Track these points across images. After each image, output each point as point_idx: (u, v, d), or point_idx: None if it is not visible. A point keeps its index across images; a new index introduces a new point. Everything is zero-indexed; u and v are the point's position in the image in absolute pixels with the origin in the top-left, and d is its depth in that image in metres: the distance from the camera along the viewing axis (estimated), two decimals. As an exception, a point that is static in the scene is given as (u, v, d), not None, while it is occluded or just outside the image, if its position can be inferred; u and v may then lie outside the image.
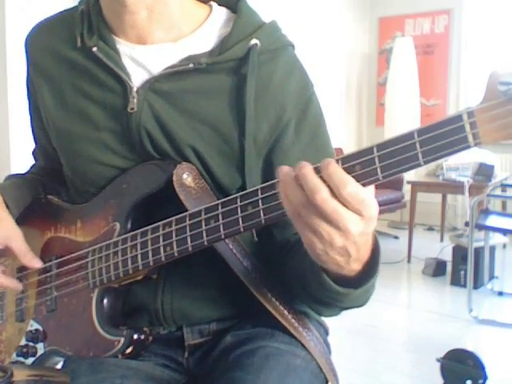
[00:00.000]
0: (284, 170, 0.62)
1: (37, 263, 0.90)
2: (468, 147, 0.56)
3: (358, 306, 0.77)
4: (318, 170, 0.60)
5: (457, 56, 5.37)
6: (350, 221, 0.59)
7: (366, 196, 0.59)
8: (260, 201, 0.68)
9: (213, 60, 0.82)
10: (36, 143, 1.04)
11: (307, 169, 0.59)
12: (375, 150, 0.59)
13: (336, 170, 0.59)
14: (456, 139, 0.55)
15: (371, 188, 0.60)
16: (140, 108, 0.83)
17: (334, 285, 0.69)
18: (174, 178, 0.80)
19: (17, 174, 1.02)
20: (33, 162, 1.08)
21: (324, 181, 0.59)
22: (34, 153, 1.07)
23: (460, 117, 0.55)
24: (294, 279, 0.81)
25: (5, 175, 1.02)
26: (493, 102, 0.54)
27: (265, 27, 0.85)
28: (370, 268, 0.68)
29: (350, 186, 0.58)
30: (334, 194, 0.58)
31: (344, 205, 0.58)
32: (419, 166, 0.58)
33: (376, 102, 5.89)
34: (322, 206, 0.58)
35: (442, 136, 0.56)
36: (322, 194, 0.58)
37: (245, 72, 0.81)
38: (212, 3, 0.90)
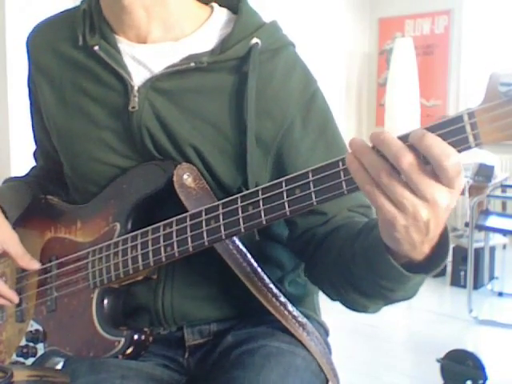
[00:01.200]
0: (357, 140, 0.56)
1: (34, 265, 0.89)
2: (469, 148, 0.55)
3: (406, 298, 0.71)
4: (403, 140, 0.55)
5: (457, 56, 5.37)
6: (438, 191, 0.54)
7: (456, 167, 0.53)
8: (261, 201, 0.68)
9: (214, 59, 0.82)
10: (36, 144, 1.04)
11: (387, 134, 0.55)
12: (376, 149, 0.59)
13: (435, 141, 0.53)
14: (457, 140, 0.55)
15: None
16: (141, 107, 0.83)
17: (401, 269, 0.62)
18: (175, 179, 0.80)
19: (16, 177, 1.02)
20: (33, 162, 1.08)
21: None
22: (34, 154, 1.07)
23: (461, 117, 0.55)
24: (331, 273, 0.78)
25: (5, 176, 1.02)
26: (493, 102, 0.54)
27: (265, 27, 0.85)
28: (442, 249, 0.62)
29: (453, 156, 0.53)
30: (426, 165, 0.54)
31: (434, 176, 0.54)
32: None
33: (376, 102, 5.88)
34: (409, 171, 0.53)
35: (443, 136, 0.56)
36: (409, 159, 0.53)
37: (246, 71, 0.81)
38: (213, 4, 0.90)
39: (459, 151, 0.55)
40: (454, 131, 0.55)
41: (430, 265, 0.63)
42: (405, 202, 0.55)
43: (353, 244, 0.72)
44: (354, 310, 0.79)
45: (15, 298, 0.91)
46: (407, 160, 0.54)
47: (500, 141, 0.55)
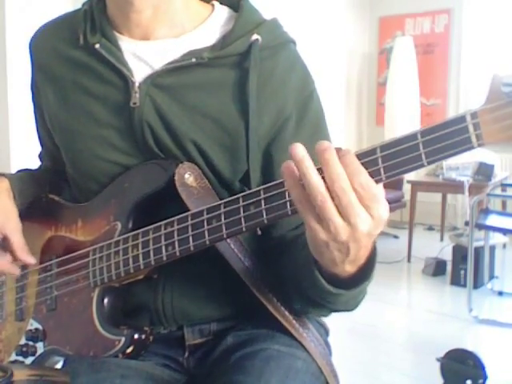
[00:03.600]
0: (300, 153, 0.59)
1: (31, 259, 0.90)
2: (471, 148, 0.56)
3: (347, 310, 0.77)
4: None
5: (457, 55, 5.37)
6: (361, 217, 0.58)
7: (378, 192, 0.59)
8: (262, 201, 0.68)
9: (215, 54, 0.82)
10: (42, 146, 1.05)
11: (331, 153, 0.58)
12: (378, 150, 0.60)
13: (353, 160, 0.58)
14: (459, 140, 0.56)
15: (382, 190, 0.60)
16: (142, 103, 0.83)
17: (325, 283, 0.69)
18: (176, 178, 0.80)
19: (26, 169, 1.02)
20: (33, 162, 1.08)
21: None
22: (40, 156, 1.08)
23: (463, 118, 0.55)
24: (287, 276, 0.81)
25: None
26: (496, 103, 0.54)
27: (266, 23, 0.86)
28: (364, 272, 0.68)
29: (363, 176, 0.58)
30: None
31: (357, 198, 0.58)
32: (423, 166, 0.58)
33: (376, 101, 5.88)
34: (340, 195, 0.57)
35: (446, 137, 0.56)
36: (342, 184, 0.57)
37: (247, 66, 0.82)
38: (214, 2, 0.91)
39: (462, 151, 0.56)
40: (457, 131, 0.56)
41: (353, 282, 0.68)
42: (328, 221, 0.59)
43: (301, 253, 0.75)
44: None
45: (16, 270, 0.91)
46: (340, 185, 0.57)
47: (503, 141, 0.55)
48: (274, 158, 0.84)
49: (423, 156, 0.57)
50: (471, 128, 0.55)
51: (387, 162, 0.59)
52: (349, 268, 0.66)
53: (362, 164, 0.59)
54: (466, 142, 0.55)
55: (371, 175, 0.59)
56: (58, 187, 1.00)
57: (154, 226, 0.78)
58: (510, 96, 0.54)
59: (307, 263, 0.71)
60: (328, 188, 0.58)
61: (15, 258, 0.89)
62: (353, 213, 0.58)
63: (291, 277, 0.79)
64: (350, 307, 0.77)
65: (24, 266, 0.92)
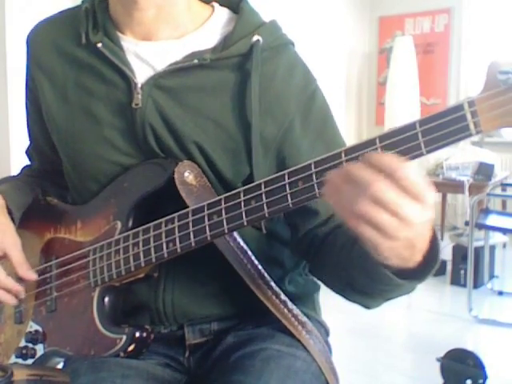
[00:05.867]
0: (330, 174, 0.59)
1: (31, 275, 0.89)
2: (470, 135, 0.57)
3: (405, 294, 0.74)
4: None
5: (457, 55, 5.36)
6: (409, 208, 0.56)
7: (421, 180, 0.56)
8: (263, 195, 0.68)
9: (217, 56, 0.83)
10: (31, 142, 1.03)
11: (353, 165, 0.57)
12: (378, 141, 0.60)
13: (381, 156, 0.56)
14: (458, 128, 0.57)
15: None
16: (144, 104, 0.83)
17: (396, 279, 0.66)
18: (176, 176, 0.80)
19: (13, 177, 1.01)
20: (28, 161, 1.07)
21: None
22: (27, 152, 1.06)
23: (461, 106, 0.57)
24: (332, 274, 0.80)
25: (5, 175, 1.01)
26: (493, 90, 0.56)
27: (266, 25, 0.86)
28: (430, 257, 0.65)
29: (406, 166, 0.55)
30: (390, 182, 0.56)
31: (401, 191, 0.56)
32: (422, 155, 0.59)
33: (376, 101, 5.88)
34: (381, 195, 0.55)
35: (444, 125, 0.57)
36: (378, 184, 0.55)
37: (248, 68, 0.82)
38: (214, 4, 0.91)
39: (461, 139, 0.57)
40: (456, 119, 0.57)
41: (423, 270, 0.65)
42: (382, 223, 0.56)
43: (352, 248, 0.73)
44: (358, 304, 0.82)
45: (21, 291, 0.89)
46: (376, 186, 0.55)
47: (500, 127, 0.56)
48: (286, 160, 0.84)
49: (422, 145, 0.58)
50: (469, 116, 0.56)
51: (387, 151, 0.59)
52: (418, 257, 0.63)
53: (361, 156, 0.59)
54: (464, 130, 0.56)
55: (459, 131, 0.58)
56: (50, 191, 0.99)
57: (155, 223, 0.79)
58: (506, 83, 0.55)
59: (363, 264, 0.68)
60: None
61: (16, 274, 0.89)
62: (399, 206, 0.55)
63: (340, 275, 0.78)
64: (409, 290, 0.73)
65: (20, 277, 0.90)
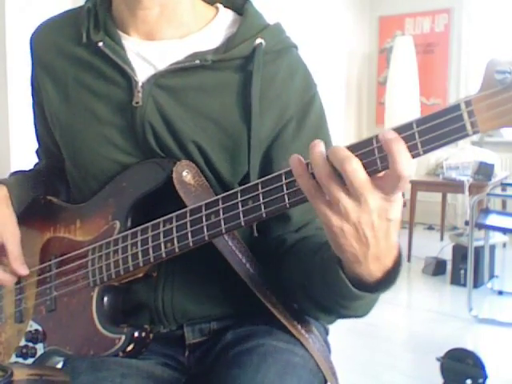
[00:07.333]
0: (316, 145, 0.61)
1: (23, 270, 0.89)
2: (466, 135, 0.57)
3: (357, 316, 0.77)
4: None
5: (457, 55, 5.37)
6: (370, 192, 0.58)
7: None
8: (261, 195, 0.68)
9: (219, 57, 0.83)
10: (39, 142, 1.04)
11: (336, 146, 0.60)
12: (374, 141, 0.60)
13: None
14: (454, 128, 0.56)
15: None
16: (145, 102, 0.83)
17: (352, 288, 0.67)
18: (174, 176, 0.80)
19: (21, 171, 1.02)
20: (33, 161, 1.08)
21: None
22: (37, 152, 1.07)
23: (458, 106, 0.56)
24: (292, 279, 0.81)
25: (5, 175, 1.01)
26: (490, 90, 0.55)
27: (270, 28, 0.87)
28: (390, 278, 0.66)
29: (350, 163, 0.58)
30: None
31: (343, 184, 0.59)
32: (419, 155, 0.58)
33: (376, 101, 5.88)
34: (352, 175, 0.58)
35: (441, 125, 0.57)
36: (354, 165, 0.58)
37: (250, 70, 0.83)
38: (218, 5, 0.91)
39: (458, 139, 0.57)
40: (452, 119, 0.56)
41: (378, 288, 0.67)
42: (338, 203, 0.60)
43: (314, 255, 0.75)
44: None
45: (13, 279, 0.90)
46: (351, 166, 0.58)
47: (497, 127, 0.56)
48: (273, 159, 0.85)
49: (419, 145, 0.58)
50: (466, 116, 0.56)
51: (383, 152, 0.59)
52: (373, 267, 0.65)
53: (359, 155, 0.59)
54: (461, 130, 0.56)
55: (368, 165, 0.59)
56: (54, 189, 0.99)
57: (153, 223, 0.79)
58: (503, 83, 0.55)
59: (323, 266, 0.71)
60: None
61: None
62: (362, 190, 0.58)
63: (299, 282, 0.79)
64: (361, 313, 0.76)
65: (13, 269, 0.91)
